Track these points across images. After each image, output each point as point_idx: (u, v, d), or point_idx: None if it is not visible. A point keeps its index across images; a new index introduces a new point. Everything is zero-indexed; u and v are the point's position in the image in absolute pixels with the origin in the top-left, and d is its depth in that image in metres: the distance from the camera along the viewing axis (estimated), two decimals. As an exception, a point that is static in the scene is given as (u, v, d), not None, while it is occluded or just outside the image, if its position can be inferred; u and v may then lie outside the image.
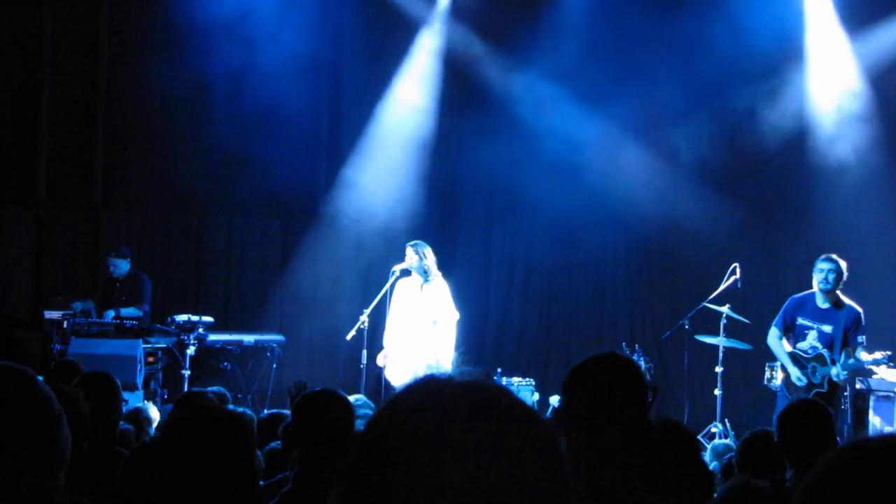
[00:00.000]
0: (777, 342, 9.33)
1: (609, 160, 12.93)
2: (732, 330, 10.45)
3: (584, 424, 2.86)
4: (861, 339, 8.96)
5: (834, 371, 8.94)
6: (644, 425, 2.95)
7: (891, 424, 9.94)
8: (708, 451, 7.39)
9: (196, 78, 13.23)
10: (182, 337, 11.45)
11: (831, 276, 8.95)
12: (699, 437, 10.26)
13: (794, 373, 9.13)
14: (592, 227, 13.22)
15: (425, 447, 1.34)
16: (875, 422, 10.10)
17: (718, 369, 10.48)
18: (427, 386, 1.43)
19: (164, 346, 11.45)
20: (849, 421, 10.74)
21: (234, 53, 13.02)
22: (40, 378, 2.27)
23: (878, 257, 12.27)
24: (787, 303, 9.43)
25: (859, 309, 9.09)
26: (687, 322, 11.07)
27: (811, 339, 9.07)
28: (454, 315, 10.18)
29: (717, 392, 10.46)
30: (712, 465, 6.41)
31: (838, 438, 9.09)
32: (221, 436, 2.67)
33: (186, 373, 11.24)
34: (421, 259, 10.11)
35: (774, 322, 9.44)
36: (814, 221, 12.59)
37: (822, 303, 9.09)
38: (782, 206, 13.00)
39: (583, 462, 2.75)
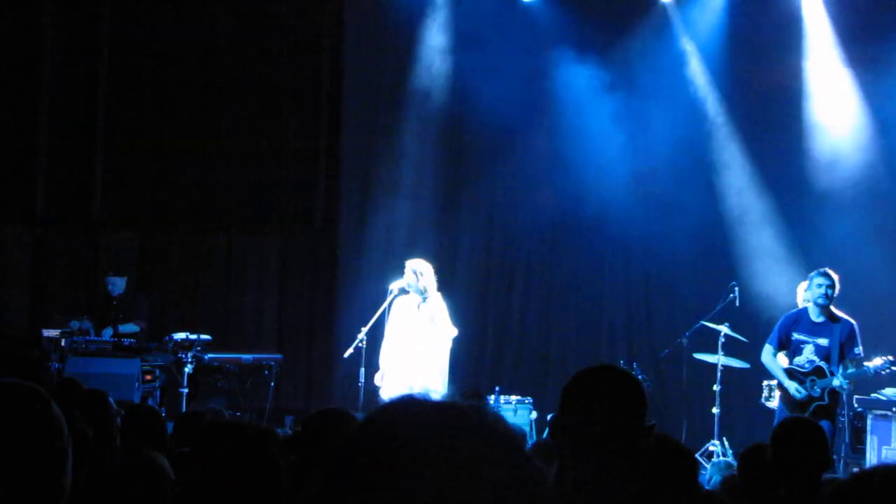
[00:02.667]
0: (772, 359, 9.31)
1: (607, 178, 12.95)
2: (731, 348, 10.45)
3: (577, 440, 2.75)
4: (858, 350, 9.00)
5: (836, 382, 8.95)
6: (641, 442, 2.84)
7: (888, 443, 9.94)
8: (710, 466, 7.39)
9: (194, 94, 13.27)
10: (180, 355, 11.44)
11: (830, 291, 9.03)
12: (697, 455, 10.28)
13: (792, 386, 9.11)
14: (591, 245, 13.23)
15: (398, 464, 1.39)
16: (873, 441, 10.10)
17: (716, 388, 10.47)
18: (401, 406, 1.47)
19: (162, 364, 11.44)
20: (847, 440, 10.74)
21: (232, 69, 13.06)
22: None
23: (874, 279, 12.28)
24: (781, 319, 9.44)
25: (853, 321, 9.15)
26: (685, 340, 11.08)
27: (808, 354, 9.11)
28: (452, 332, 10.13)
29: (714, 410, 10.46)
30: (713, 480, 6.42)
31: (834, 456, 9.16)
32: (252, 448, 2.67)
33: (184, 391, 11.23)
34: (418, 277, 10.05)
35: (768, 340, 9.42)
36: (812, 242, 12.59)
37: (816, 317, 9.15)
38: (781, 225, 13.01)
39: (576, 480, 2.71)
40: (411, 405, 1.47)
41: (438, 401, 1.48)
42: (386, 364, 10.16)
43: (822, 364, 9.04)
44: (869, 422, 10.19)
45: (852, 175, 12.58)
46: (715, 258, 12.81)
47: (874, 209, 12.49)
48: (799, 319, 9.24)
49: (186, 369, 11.33)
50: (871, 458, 10.03)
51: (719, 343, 10.47)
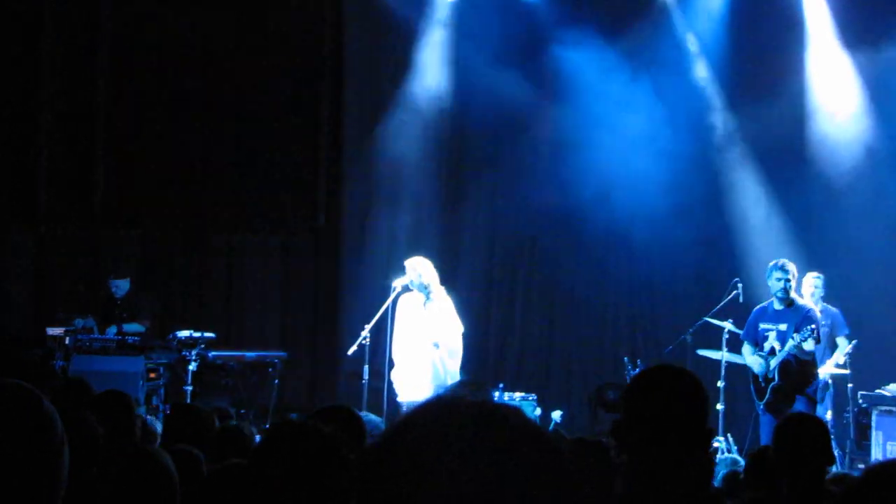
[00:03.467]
0: (750, 354, 9.90)
1: (611, 175, 12.94)
2: (734, 344, 10.44)
3: (646, 440, 2.74)
4: (812, 327, 9.35)
5: (778, 358, 9.49)
6: (706, 443, 2.83)
7: (893, 439, 9.94)
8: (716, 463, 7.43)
9: (197, 94, 13.27)
10: (184, 353, 11.44)
11: (788, 284, 9.64)
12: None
13: (756, 362, 9.73)
14: (595, 241, 13.23)
15: (436, 464, 1.38)
16: (878, 437, 10.10)
17: (720, 384, 10.47)
18: (438, 405, 1.46)
19: (166, 362, 11.44)
20: (852, 436, 10.75)
21: (234, 69, 13.06)
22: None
23: (876, 269, 12.28)
24: (750, 316, 10.01)
25: (810, 307, 9.79)
26: (689, 337, 11.07)
27: (771, 340, 9.67)
28: (459, 328, 10.15)
29: (719, 407, 10.46)
30: (719, 476, 6.46)
31: (838, 453, 9.18)
32: (321, 453, 2.65)
33: (188, 388, 11.24)
34: (420, 275, 10.06)
35: (744, 337, 10.03)
36: (815, 236, 12.59)
37: (778, 305, 9.76)
38: (783, 220, 13.00)
39: (641, 478, 2.72)
40: (446, 403, 1.46)
41: (474, 399, 1.46)
42: (399, 362, 10.16)
43: (777, 345, 9.58)
44: (874, 418, 10.20)
45: (854, 166, 12.60)
46: (718, 254, 12.80)
47: (876, 199, 12.50)
48: (765, 312, 9.85)
49: (190, 367, 11.34)
50: (877, 454, 10.04)
51: (723, 339, 10.47)
